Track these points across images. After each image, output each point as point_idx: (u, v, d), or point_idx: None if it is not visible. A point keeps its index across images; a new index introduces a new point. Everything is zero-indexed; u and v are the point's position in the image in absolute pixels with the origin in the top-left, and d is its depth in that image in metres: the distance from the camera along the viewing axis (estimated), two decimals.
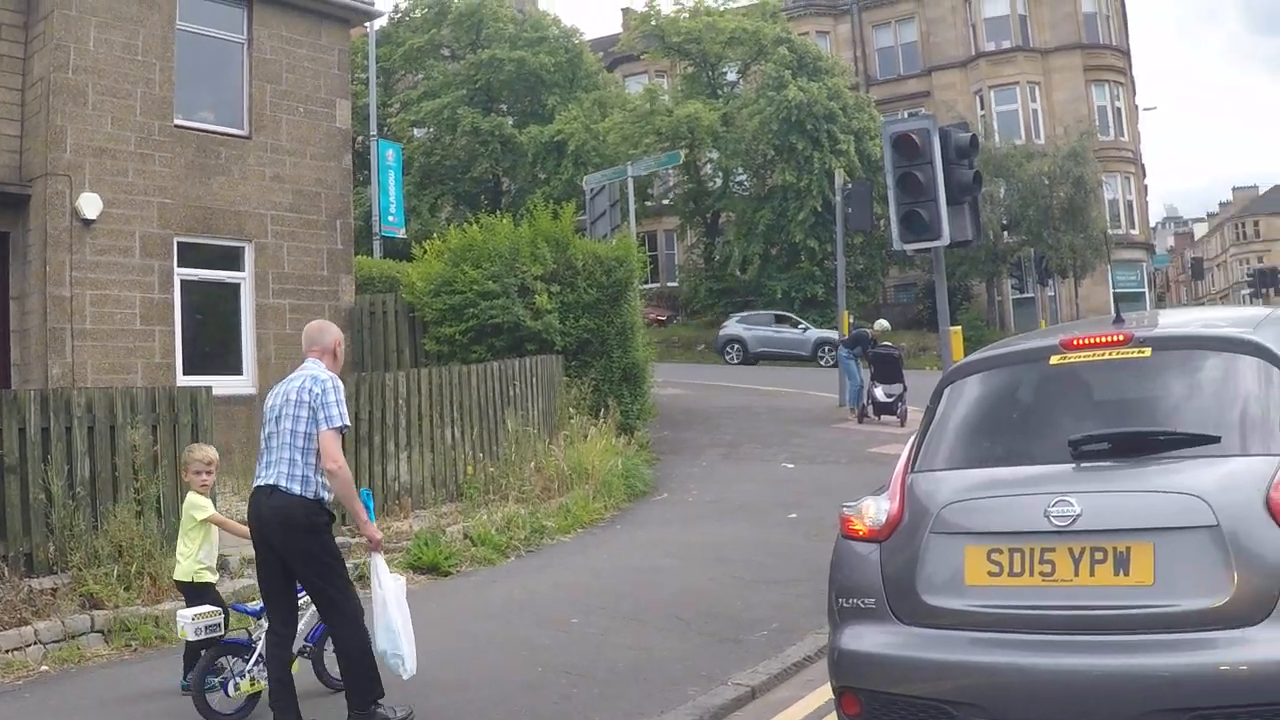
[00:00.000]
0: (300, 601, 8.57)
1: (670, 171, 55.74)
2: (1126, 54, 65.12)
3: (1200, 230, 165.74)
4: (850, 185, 33.66)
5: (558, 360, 20.53)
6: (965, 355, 8.68)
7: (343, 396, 8.29)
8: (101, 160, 18.03)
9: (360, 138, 37.49)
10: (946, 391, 6.83)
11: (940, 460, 6.45)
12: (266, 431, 8.33)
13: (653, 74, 65.91)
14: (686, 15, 57.37)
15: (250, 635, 8.81)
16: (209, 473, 9.63)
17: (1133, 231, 62.40)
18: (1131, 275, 61.00)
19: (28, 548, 11.34)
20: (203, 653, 8.65)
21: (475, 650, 9.01)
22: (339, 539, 9.50)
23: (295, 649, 8.57)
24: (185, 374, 18.61)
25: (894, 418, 26.60)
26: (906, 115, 45.61)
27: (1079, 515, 5.52)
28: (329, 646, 9.05)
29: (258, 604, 9.01)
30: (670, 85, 62.29)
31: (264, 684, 8.43)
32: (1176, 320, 7.78)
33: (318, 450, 8.08)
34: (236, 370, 19.79)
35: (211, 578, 9.50)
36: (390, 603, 8.24)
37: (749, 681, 9.24)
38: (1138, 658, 5.23)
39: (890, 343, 29.40)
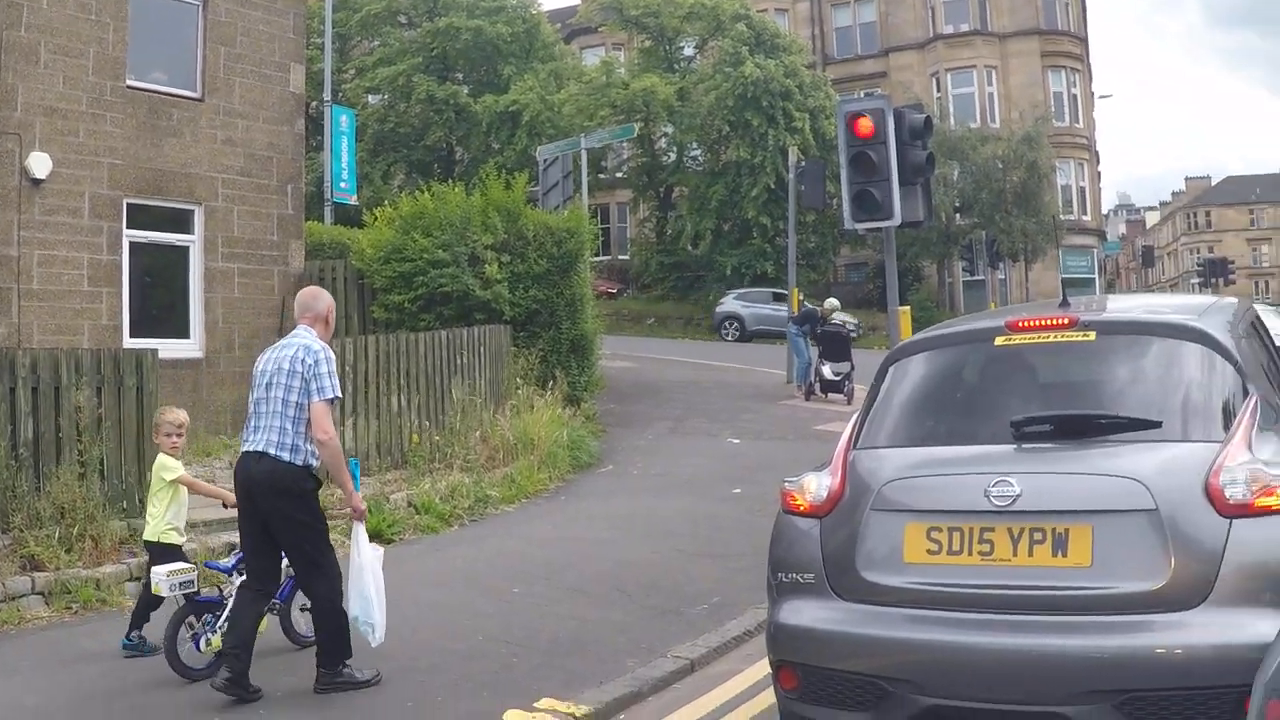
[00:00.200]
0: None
1: (624, 144, 55.57)
2: (1084, 41, 65.47)
3: (1152, 219, 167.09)
4: (804, 163, 33.70)
5: (506, 330, 20.46)
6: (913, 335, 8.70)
7: (335, 367, 8.38)
8: (52, 120, 17.81)
9: (314, 103, 37.29)
10: (891, 370, 6.86)
11: (883, 438, 6.49)
12: (255, 397, 8.43)
13: (610, 47, 65.87)
14: None
15: (221, 592, 9.01)
16: (179, 435, 9.65)
17: (1085, 218, 62.79)
18: (1082, 261, 61.39)
19: None
20: (176, 608, 8.78)
21: (417, 618, 9.00)
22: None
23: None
24: (132, 336, 18.42)
25: (841, 396, 26.69)
26: (863, 95, 45.78)
27: (1019, 495, 5.55)
28: (297, 603, 9.24)
29: (229, 561, 9.26)
30: (627, 58, 62.22)
31: None
32: (1122, 305, 7.86)
33: (307, 419, 8.19)
34: (184, 334, 19.62)
35: (179, 539, 9.54)
36: (367, 570, 8.37)
37: (688, 654, 9.25)
38: (1075, 638, 5.28)
39: (841, 320, 29.44)
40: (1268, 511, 5.24)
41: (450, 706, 8.04)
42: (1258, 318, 7.62)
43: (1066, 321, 6.34)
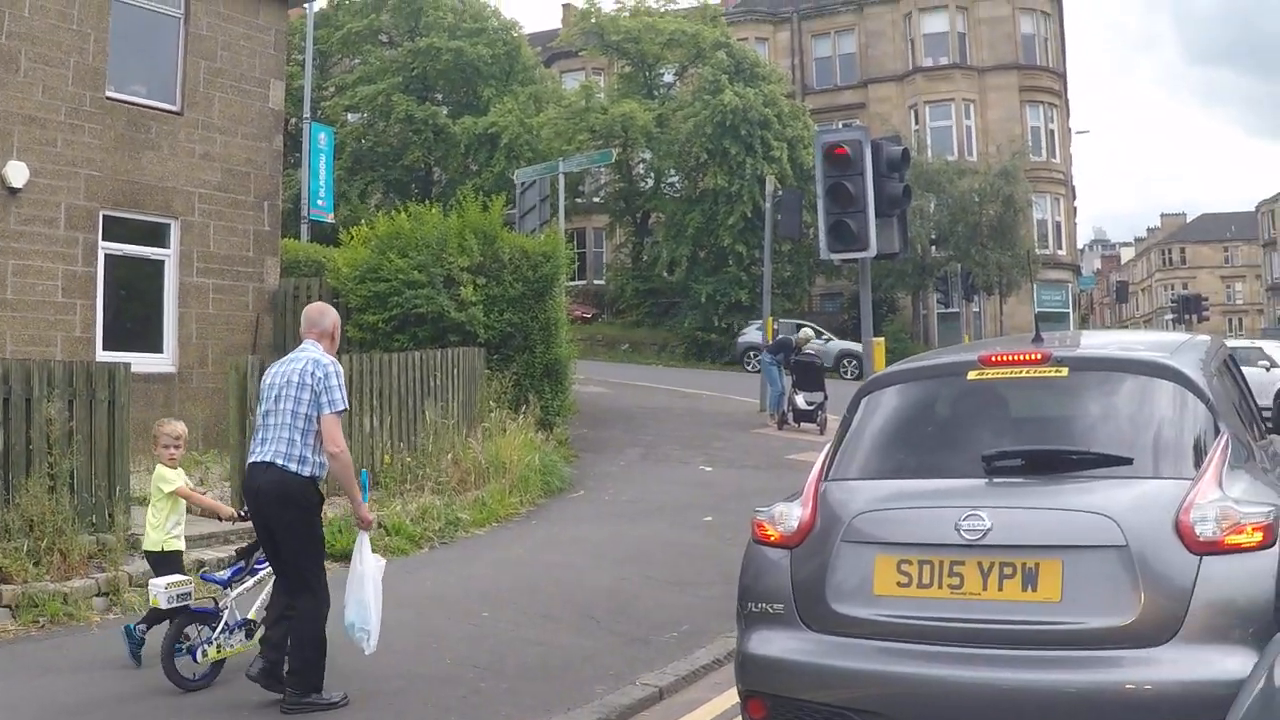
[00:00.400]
0: (263, 572, 9.09)
1: (602, 169, 55.68)
2: (1062, 77, 65.82)
3: (1127, 254, 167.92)
4: (781, 192, 33.79)
5: (480, 353, 20.41)
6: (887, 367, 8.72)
7: (343, 380, 8.57)
8: (30, 129, 17.75)
9: (293, 120, 37.20)
10: (864, 402, 6.88)
11: (854, 469, 6.50)
12: (264, 409, 8.58)
13: (590, 71, 65.84)
14: (627, 14, 57.37)
15: (217, 604, 9.17)
16: (177, 447, 9.84)
17: (1060, 252, 63.01)
18: (1057, 295, 61.57)
19: None
20: (170, 621, 8.89)
21: (385, 641, 8.96)
22: None
23: (259, 618, 9.06)
24: (105, 349, 18.38)
25: (814, 425, 26.73)
26: (841, 126, 45.80)
27: (989, 530, 5.57)
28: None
29: (225, 574, 9.45)
30: (607, 83, 62.19)
31: (230, 651, 8.98)
32: (1095, 342, 7.89)
33: (316, 431, 8.36)
34: (157, 348, 19.55)
35: (180, 545, 9.78)
36: (368, 578, 8.58)
37: (657, 682, 9.24)
38: (1044, 673, 5.29)
39: (814, 351, 29.47)
40: (1237, 549, 5.27)
41: None
42: (1230, 356, 7.68)
43: (1039, 357, 6.36)
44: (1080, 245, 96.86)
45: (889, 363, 10.20)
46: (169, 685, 8.64)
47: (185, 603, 8.95)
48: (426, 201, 26.08)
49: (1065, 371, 6.34)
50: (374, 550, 12.18)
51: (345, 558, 13.05)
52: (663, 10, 58.12)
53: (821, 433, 25.70)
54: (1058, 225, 63.19)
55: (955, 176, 53.68)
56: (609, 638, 10.64)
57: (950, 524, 5.67)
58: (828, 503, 6.28)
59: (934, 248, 54.02)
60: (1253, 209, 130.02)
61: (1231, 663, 4.99)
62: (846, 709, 5.77)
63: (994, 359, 6.50)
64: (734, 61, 53.46)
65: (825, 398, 27.14)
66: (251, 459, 8.54)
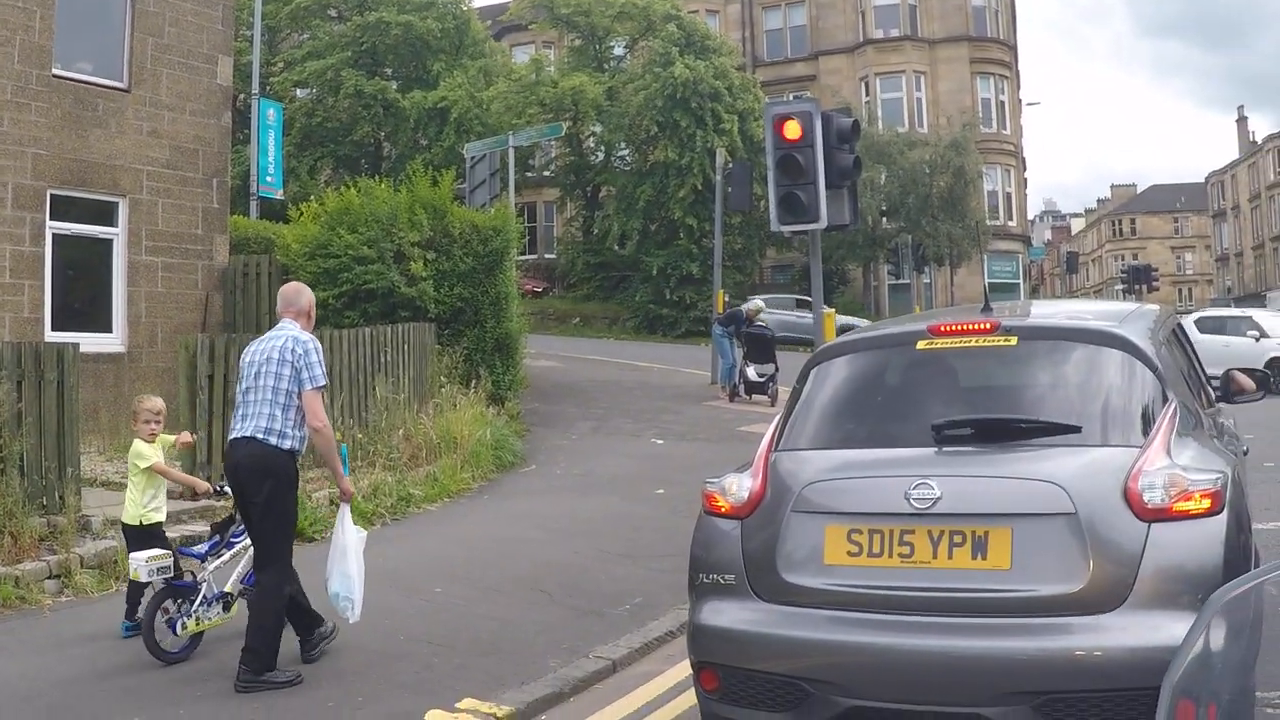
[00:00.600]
0: (239, 545, 9.31)
1: (552, 143, 55.43)
2: (1013, 49, 65.98)
3: (1077, 225, 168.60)
4: (731, 165, 33.86)
5: (430, 328, 20.38)
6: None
7: (323, 357, 8.73)
8: None
9: (241, 96, 36.97)
10: (813, 373, 6.89)
11: (804, 440, 6.51)
12: (244, 386, 8.73)
13: (540, 45, 65.61)
14: None
15: (195, 578, 9.24)
16: (157, 422, 10.02)
17: (1010, 223, 63.25)
18: (1008, 266, 61.82)
19: None
20: (150, 593, 9.03)
21: (339, 617, 8.96)
22: None
23: (235, 590, 9.31)
24: (54, 330, 18.23)
25: (765, 397, 26.75)
26: (792, 98, 45.84)
27: (939, 498, 5.59)
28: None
29: (203, 547, 9.53)
30: (557, 57, 62.04)
31: (208, 624, 9.13)
32: (1044, 311, 7.91)
33: (296, 407, 8.51)
34: (106, 328, 19.43)
35: (160, 516, 9.93)
36: (351, 550, 8.87)
37: (610, 655, 9.25)
38: (994, 640, 5.32)
39: (764, 323, 29.49)
40: (1185, 516, 5.32)
41: (371, 707, 8.00)
42: (1179, 325, 7.72)
43: (988, 326, 6.38)
44: (1031, 216, 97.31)
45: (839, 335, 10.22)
46: (120, 666, 8.64)
47: (165, 576, 9.01)
48: (376, 177, 26.07)
49: (1014, 340, 6.36)
50: (326, 527, 12.26)
51: (297, 535, 13.10)
52: None
53: (773, 404, 25.71)
54: (1008, 196, 63.40)
55: (906, 148, 53.75)
56: (562, 611, 10.64)
57: (900, 493, 5.69)
58: (778, 473, 6.29)
59: (885, 219, 54.11)
60: (1202, 180, 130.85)
61: (1180, 628, 4.98)
62: (798, 678, 5.78)
63: (943, 329, 6.52)
64: (685, 34, 53.33)
65: (777, 369, 27.15)
66: (232, 435, 8.65)
